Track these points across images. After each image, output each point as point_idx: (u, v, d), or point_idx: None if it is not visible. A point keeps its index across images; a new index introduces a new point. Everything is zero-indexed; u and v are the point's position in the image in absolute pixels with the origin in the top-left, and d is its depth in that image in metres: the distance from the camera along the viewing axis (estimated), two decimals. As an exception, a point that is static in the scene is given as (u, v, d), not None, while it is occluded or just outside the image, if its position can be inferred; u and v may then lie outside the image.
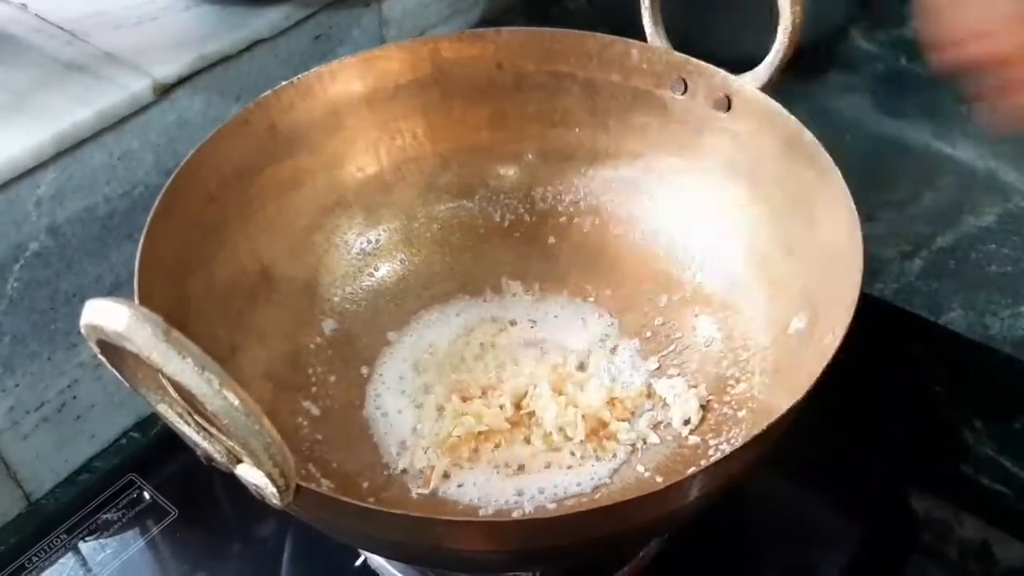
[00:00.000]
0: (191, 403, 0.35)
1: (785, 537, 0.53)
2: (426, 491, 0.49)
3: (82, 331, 0.31)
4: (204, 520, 0.55)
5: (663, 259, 0.58)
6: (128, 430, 0.62)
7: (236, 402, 0.30)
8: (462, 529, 0.36)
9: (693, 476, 0.35)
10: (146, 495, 0.56)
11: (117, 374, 0.34)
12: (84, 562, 0.53)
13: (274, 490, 0.34)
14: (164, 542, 0.53)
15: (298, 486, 0.34)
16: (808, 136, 0.48)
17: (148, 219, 0.45)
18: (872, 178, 0.54)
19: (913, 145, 0.67)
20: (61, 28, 0.62)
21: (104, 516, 0.55)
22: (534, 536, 0.36)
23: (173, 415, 0.36)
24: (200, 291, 0.49)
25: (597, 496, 0.49)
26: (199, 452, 0.37)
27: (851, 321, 0.40)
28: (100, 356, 0.33)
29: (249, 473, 0.35)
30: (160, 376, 0.35)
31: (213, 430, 0.36)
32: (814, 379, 0.38)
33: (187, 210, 0.49)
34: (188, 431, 0.36)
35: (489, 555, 0.38)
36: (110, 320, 0.30)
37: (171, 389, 0.36)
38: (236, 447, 0.35)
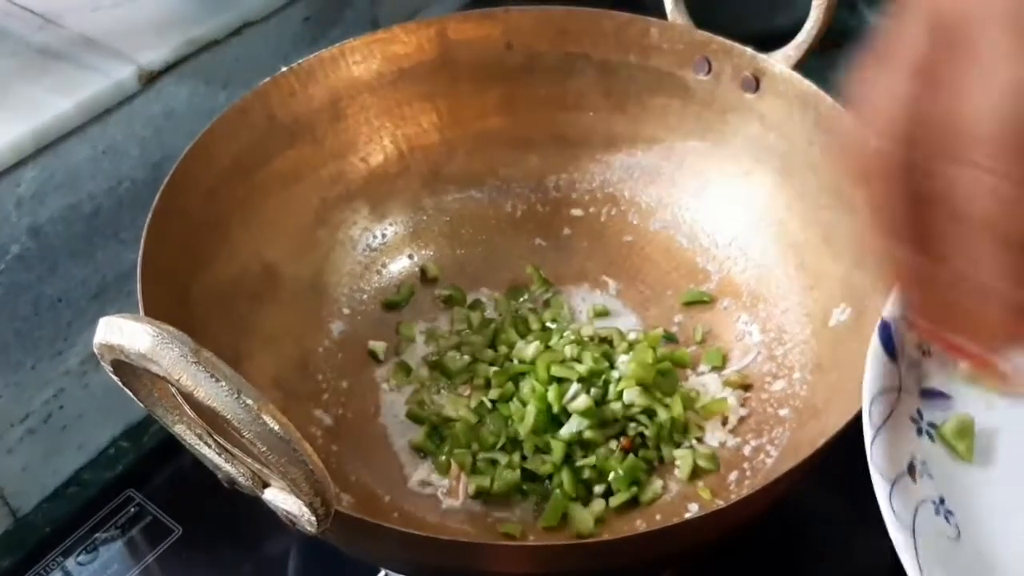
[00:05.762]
0: (212, 423, 0.33)
1: (822, 544, 0.50)
2: (456, 503, 0.46)
3: (95, 350, 0.29)
4: (209, 538, 0.51)
5: (687, 249, 0.56)
6: (117, 439, 0.59)
7: (276, 427, 0.28)
8: (515, 554, 0.33)
9: (753, 496, 0.33)
10: (146, 512, 0.52)
11: (131, 394, 0.32)
12: (83, 586, 0.50)
13: (312, 518, 0.31)
14: (169, 563, 0.50)
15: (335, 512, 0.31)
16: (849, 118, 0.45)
17: (145, 225, 0.42)
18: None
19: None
20: (32, 12, 0.58)
21: (102, 535, 0.51)
22: (586, 558, 0.34)
23: (192, 436, 0.33)
24: (202, 296, 0.46)
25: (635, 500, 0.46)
26: (220, 475, 0.34)
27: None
28: (113, 376, 0.31)
29: (279, 498, 0.33)
30: (177, 395, 0.33)
31: (237, 452, 0.33)
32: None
33: (184, 210, 0.46)
34: (209, 453, 0.34)
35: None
36: (132, 340, 0.27)
37: (188, 408, 0.33)
38: (265, 471, 0.33)
